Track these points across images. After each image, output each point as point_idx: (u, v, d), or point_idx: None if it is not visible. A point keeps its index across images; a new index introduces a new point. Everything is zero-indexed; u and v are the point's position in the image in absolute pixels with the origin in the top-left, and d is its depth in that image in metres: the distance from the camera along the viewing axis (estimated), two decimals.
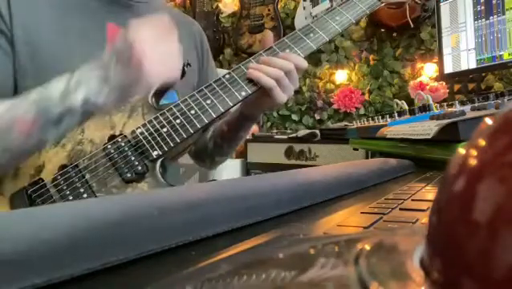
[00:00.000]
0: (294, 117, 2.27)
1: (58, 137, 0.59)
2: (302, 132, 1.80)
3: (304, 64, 0.73)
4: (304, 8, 2.11)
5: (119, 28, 0.72)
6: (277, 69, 0.70)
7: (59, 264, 0.15)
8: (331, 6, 1.91)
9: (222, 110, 0.69)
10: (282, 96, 0.71)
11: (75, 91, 0.55)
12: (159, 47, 0.57)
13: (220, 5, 2.48)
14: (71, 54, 0.67)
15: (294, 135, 1.83)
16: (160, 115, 0.68)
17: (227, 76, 0.71)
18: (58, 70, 0.59)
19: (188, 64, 0.76)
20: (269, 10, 2.25)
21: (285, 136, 1.87)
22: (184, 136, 0.67)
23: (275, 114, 2.33)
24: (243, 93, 0.70)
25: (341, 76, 2.15)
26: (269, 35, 2.23)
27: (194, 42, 0.89)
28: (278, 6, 2.26)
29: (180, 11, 0.94)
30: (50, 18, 0.68)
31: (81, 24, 0.70)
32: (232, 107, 0.70)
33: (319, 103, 2.19)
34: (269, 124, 2.35)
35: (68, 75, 0.57)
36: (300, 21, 2.11)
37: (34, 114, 0.55)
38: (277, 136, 1.92)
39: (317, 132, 1.76)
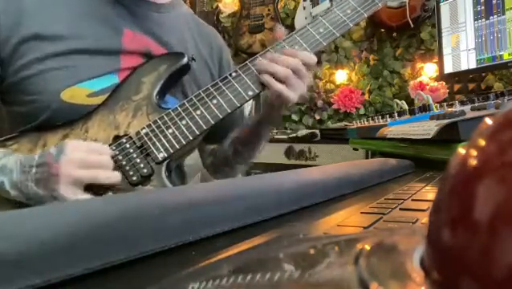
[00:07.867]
0: (294, 117, 2.27)
1: None
2: (302, 132, 1.80)
3: (312, 60, 0.71)
4: (304, 8, 2.11)
5: (136, 36, 0.72)
6: (285, 68, 0.68)
7: (59, 264, 0.15)
8: (331, 6, 1.91)
9: (229, 110, 0.67)
10: (291, 96, 0.69)
11: None
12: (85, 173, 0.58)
13: (220, 5, 2.48)
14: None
15: (294, 135, 1.83)
16: (166, 115, 0.66)
17: (234, 74, 0.69)
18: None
19: (193, 59, 0.74)
20: (269, 10, 2.25)
21: (285, 136, 1.87)
22: (190, 138, 0.66)
23: None
24: (250, 93, 0.68)
25: (341, 76, 2.15)
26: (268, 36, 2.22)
27: (211, 53, 0.85)
28: (278, 6, 2.26)
29: (204, 21, 0.92)
30: (64, 23, 0.67)
31: (97, 30, 0.69)
32: (239, 107, 0.69)
33: (319, 103, 2.19)
34: None
35: (1, 153, 0.59)
36: (300, 21, 2.11)
37: None
38: (277, 136, 1.92)
39: (317, 132, 1.76)
